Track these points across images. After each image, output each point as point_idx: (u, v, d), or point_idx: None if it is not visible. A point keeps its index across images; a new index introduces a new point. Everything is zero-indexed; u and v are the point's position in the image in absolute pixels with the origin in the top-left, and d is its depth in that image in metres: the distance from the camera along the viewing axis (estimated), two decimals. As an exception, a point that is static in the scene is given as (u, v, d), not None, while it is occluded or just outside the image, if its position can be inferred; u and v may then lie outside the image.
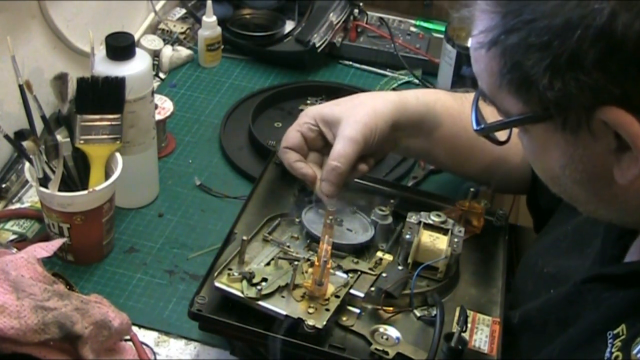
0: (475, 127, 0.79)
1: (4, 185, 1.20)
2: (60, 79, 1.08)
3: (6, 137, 1.05)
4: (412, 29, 1.65)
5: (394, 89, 1.51)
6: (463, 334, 0.87)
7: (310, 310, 0.89)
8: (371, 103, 1.03)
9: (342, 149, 1.00)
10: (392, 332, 0.91)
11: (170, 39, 1.55)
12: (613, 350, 0.74)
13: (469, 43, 0.76)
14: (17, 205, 1.20)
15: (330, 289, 0.92)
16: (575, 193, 0.75)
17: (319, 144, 1.06)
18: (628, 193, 0.71)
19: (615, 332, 0.75)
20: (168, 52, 1.51)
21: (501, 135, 0.81)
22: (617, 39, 0.62)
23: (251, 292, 0.90)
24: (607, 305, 0.79)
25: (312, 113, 1.06)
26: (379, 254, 1.01)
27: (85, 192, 1.04)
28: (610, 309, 0.78)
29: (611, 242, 0.83)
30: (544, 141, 0.72)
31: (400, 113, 1.04)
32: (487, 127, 0.78)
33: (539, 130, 0.72)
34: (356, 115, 1.01)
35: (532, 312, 0.92)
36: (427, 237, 0.98)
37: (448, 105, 1.08)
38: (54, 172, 1.05)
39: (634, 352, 0.72)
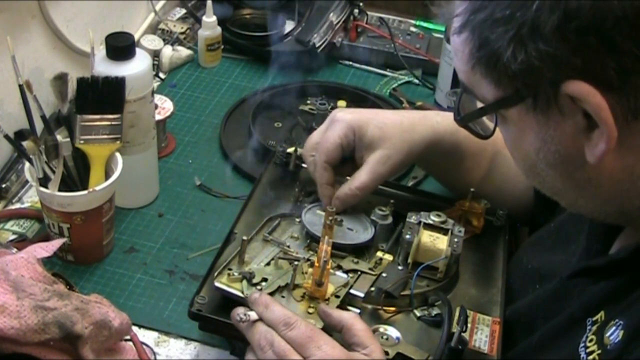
0: (456, 117, 0.82)
1: (4, 185, 1.20)
2: (60, 79, 1.08)
3: (6, 137, 1.05)
4: (412, 29, 1.65)
5: (394, 89, 1.51)
6: (463, 334, 0.87)
7: (310, 310, 0.89)
8: (409, 138, 1.03)
9: (368, 180, 1.01)
10: (392, 332, 0.91)
11: (170, 39, 1.55)
12: (589, 335, 0.76)
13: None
14: (17, 205, 1.20)
15: (330, 289, 0.92)
16: (552, 180, 0.76)
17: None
18: (601, 176, 0.72)
19: (594, 318, 0.77)
20: (168, 52, 1.51)
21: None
22: (572, 6, 0.64)
23: (251, 292, 0.89)
24: (589, 295, 0.80)
25: (353, 126, 1.03)
26: (379, 254, 1.01)
27: (85, 192, 1.04)
28: (591, 297, 0.80)
29: (595, 237, 0.84)
30: (520, 125, 0.73)
31: (432, 150, 1.05)
32: (465, 116, 0.81)
33: (513, 115, 0.73)
34: (391, 149, 1.02)
35: (520, 310, 0.93)
36: (427, 237, 0.98)
37: (476, 141, 1.08)
38: (54, 172, 1.05)
39: (607, 334, 0.73)
